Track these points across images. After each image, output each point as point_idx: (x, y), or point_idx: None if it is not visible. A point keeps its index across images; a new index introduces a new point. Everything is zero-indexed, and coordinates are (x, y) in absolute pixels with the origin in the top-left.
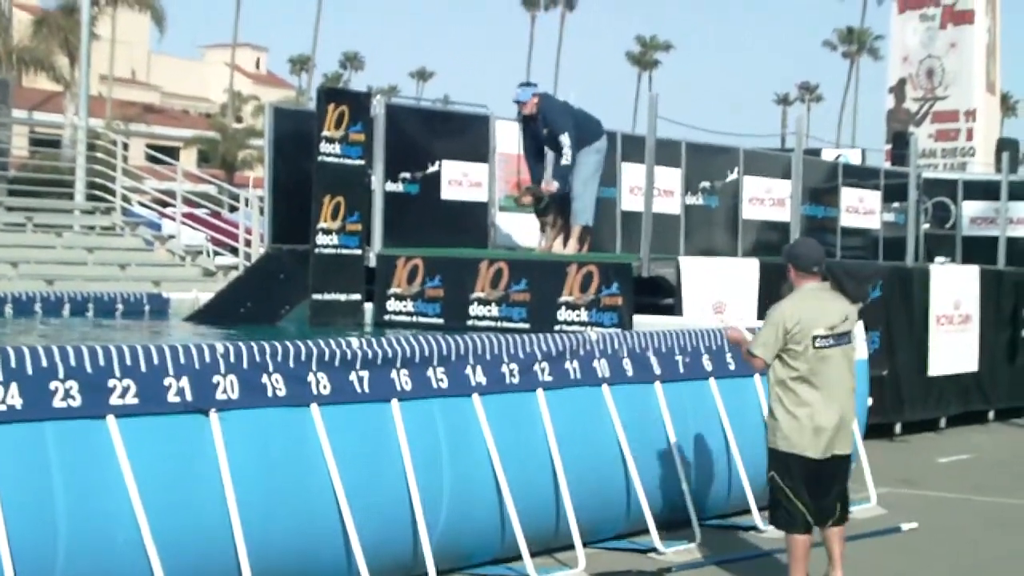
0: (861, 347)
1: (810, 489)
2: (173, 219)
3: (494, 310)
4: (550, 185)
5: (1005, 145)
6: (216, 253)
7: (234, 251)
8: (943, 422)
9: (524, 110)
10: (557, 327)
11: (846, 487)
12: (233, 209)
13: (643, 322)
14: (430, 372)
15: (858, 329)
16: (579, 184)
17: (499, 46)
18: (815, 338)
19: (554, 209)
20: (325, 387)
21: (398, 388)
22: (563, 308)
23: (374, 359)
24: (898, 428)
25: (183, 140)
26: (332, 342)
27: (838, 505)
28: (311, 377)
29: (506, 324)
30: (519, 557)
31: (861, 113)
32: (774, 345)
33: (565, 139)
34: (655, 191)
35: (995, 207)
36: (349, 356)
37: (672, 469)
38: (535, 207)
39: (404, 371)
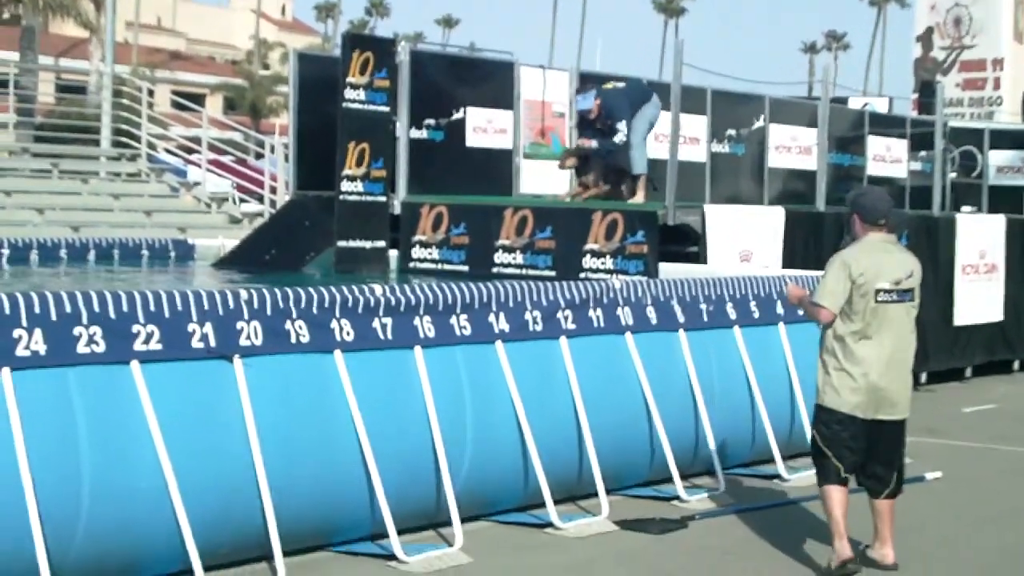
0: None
1: (858, 452)
2: (199, 166)
3: (519, 258)
4: (589, 141)
5: None
6: (242, 200)
7: (260, 198)
8: (968, 372)
9: (591, 116)
10: (582, 275)
11: (901, 456)
12: (259, 156)
13: (668, 270)
14: (453, 319)
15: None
16: (636, 138)
17: None
18: (878, 291)
19: (596, 170)
20: (348, 334)
21: (421, 335)
22: (588, 256)
23: (397, 306)
24: (923, 377)
25: (209, 87)
26: (355, 289)
27: (894, 475)
28: (334, 324)
29: (531, 272)
30: (543, 504)
31: (888, 62)
32: (841, 294)
33: (622, 125)
34: (681, 139)
35: (1022, 156)
36: (372, 303)
37: (696, 417)
38: (576, 169)
39: (427, 318)
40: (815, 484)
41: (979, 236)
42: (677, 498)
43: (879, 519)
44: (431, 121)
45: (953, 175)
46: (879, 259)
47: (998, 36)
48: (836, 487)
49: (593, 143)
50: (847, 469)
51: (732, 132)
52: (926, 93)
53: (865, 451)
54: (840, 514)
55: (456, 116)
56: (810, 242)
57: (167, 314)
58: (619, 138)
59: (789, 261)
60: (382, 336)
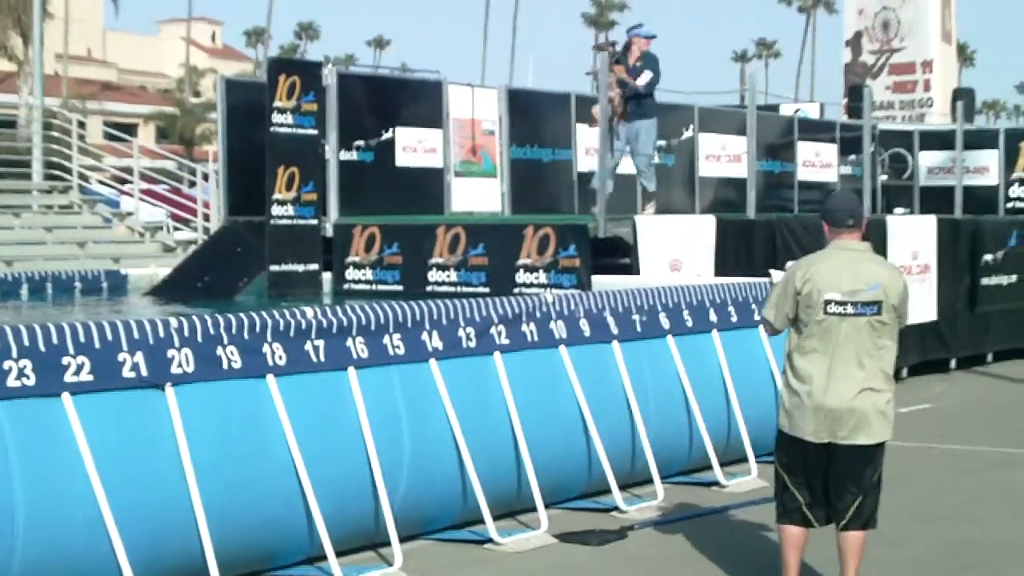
0: (905, 319)
1: (815, 480)
2: (132, 196)
3: (453, 275)
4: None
5: (960, 95)
6: (176, 228)
7: (194, 226)
8: (904, 372)
9: (644, 46)
10: (516, 290)
11: (867, 487)
12: (192, 184)
13: (602, 282)
14: (386, 339)
15: (905, 300)
16: (650, 149)
17: (456, 12)
18: (827, 303)
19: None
20: (280, 357)
21: (354, 356)
22: (521, 271)
23: (329, 328)
24: None
25: (141, 116)
26: (287, 312)
27: (853, 506)
28: (266, 348)
29: (465, 289)
30: (482, 521)
31: (819, 68)
32: (782, 307)
33: (647, 75)
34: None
35: (952, 157)
36: (304, 326)
37: (632, 428)
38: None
39: (360, 339)
40: (753, 489)
41: (911, 237)
42: (616, 509)
43: (843, 552)
44: (361, 142)
45: (884, 178)
46: (833, 267)
47: (926, 38)
48: (792, 528)
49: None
50: (809, 503)
51: (662, 143)
52: (855, 97)
53: (825, 479)
54: (793, 560)
55: (386, 136)
56: (741, 250)
57: (97, 345)
58: (643, 80)
59: (721, 269)
60: (315, 359)
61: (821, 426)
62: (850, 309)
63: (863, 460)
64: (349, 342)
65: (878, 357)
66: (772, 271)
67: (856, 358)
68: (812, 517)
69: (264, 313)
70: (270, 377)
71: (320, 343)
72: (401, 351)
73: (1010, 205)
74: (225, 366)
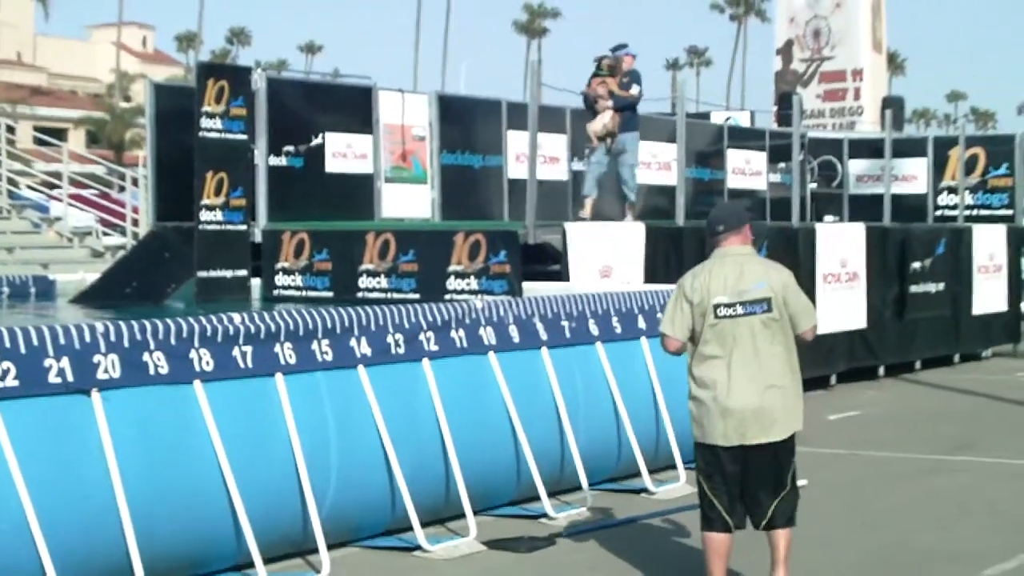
0: (803, 315)
1: (732, 484)
2: (60, 200)
3: (383, 281)
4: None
5: (889, 103)
6: (105, 234)
7: (123, 231)
8: (833, 379)
9: (624, 66)
10: (447, 296)
11: (784, 482)
12: (122, 189)
13: (532, 288)
14: (315, 345)
15: (795, 296)
16: (634, 159)
17: (387, 17)
18: (716, 307)
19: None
20: (208, 363)
21: (282, 362)
22: (452, 277)
23: (257, 334)
24: None
25: (71, 121)
26: (214, 318)
27: (773, 503)
28: (193, 354)
29: (396, 295)
30: (410, 528)
31: (751, 76)
32: (680, 319)
33: (634, 89)
34: (541, 158)
35: (881, 165)
36: (232, 331)
37: (561, 434)
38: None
39: (288, 345)
40: (682, 496)
41: (839, 245)
42: (545, 515)
43: (772, 542)
44: (290, 148)
45: (813, 186)
46: (718, 272)
47: (857, 47)
48: (716, 535)
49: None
50: (728, 508)
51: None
52: (785, 105)
53: (742, 482)
54: (718, 568)
55: (315, 142)
56: (671, 257)
57: (23, 350)
58: (633, 93)
59: (651, 276)
60: (242, 364)
61: (730, 429)
62: (740, 310)
63: (776, 457)
64: (277, 348)
65: (777, 353)
66: None
67: (755, 357)
68: (732, 522)
69: (191, 319)
70: (197, 383)
71: (248, 349)
72: (329, 357)
73: (939, 213)
74: (152, 372)
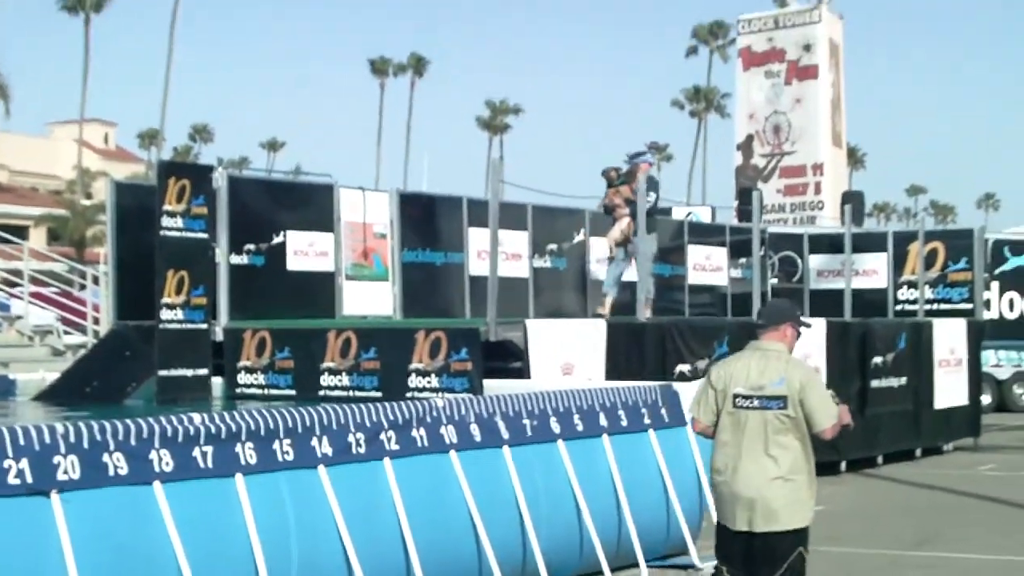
0: (821, 414)
1: (739, 565)
2: (21, 299)
3: (345, 379)
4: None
5: (849, 198)
6: (66, 332)
7: (84, 330)
8: None
9: (646, 170)
10: (409, 394)
11: (785, 571)
12: (83, 287)
13: (493, 386)
14: (276, 445)
15: (814, 396)
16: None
17: (350, 114)
18: (735, 396)
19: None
20: (168, 464)
21: (243, 462)
22: (414, 375)
23: (217, 434)
24: None
25: (32, 218)
26: (174, 418)
27: None
28: (153, 454)
29: (358, 393)
30: None
31: (712, 171)
32: (706, 402)
33: (651, 196)
34: (502, 255)
35: (841, 259)
36: (192, 432)
37: (523, 532)
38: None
39: (249, 445)
40: None
41: (800, 340)
42: None
43: None
44: (251, 246)
45: (774, 281)
46: (743, 364)
47: (817, 142)
48: None
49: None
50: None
51: (553, 247)
52: (745, 200)
53: (749, 564)
54: None
55: (276, 240)
56: (632, 353)
57: None
58: (649, 198)
59: (613, 373)
60: (203, 465)
61: (739, 514)
62: (756, 403)
63: (780, 547)
64: (238, 448)
65: (789, 447)
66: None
67: (764, 449)
68: None
69: (151, 419)
70: (157, 484)
71: (208, 449)
72: (290, 457)
73: (899, 307)
74: (111, 472)
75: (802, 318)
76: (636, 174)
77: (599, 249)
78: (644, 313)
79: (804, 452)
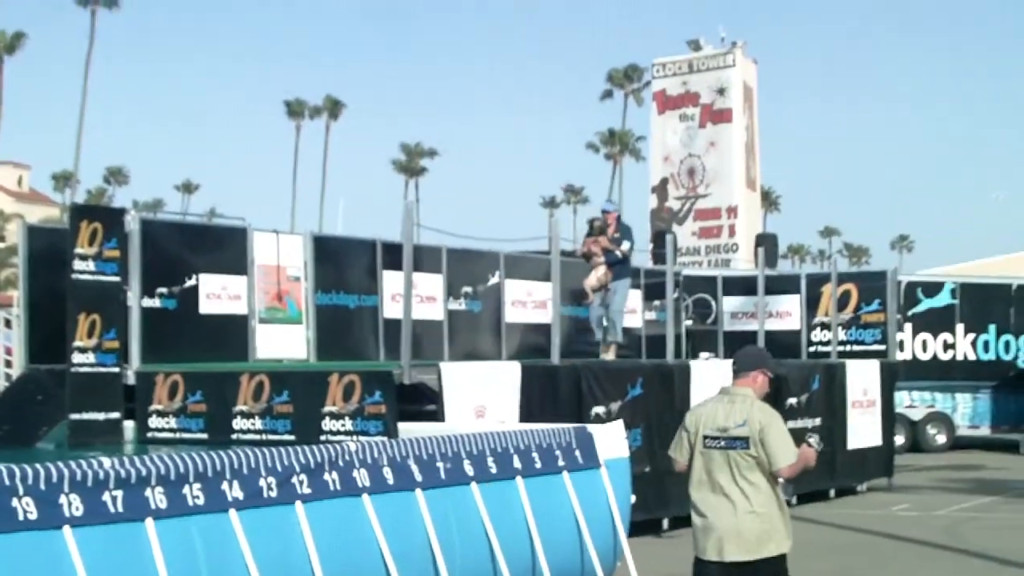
0: (779, 454)
1: None
2: None
3: (258, 423)
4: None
5: (762, 240)
6: None
7: None
8: None
9: (608, 223)
10: (323, 437)
11: None
12: None
13: (408, 429)
14: (186, 489)
15: (772, 437)
16: (620, 306)
17: (265, 156)
18: (705, 437)
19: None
20: (78, 508)
21: (153, 507)
22: (327, 418)
23: (127, 478)
24: (666, 523)
25: None
26: (84, 462)
27: None
28: (63, 499)
29: (271, 436)
30: None
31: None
32: (681, 445)
33: (625, 246)
34: (417, 297)
35: (754, 301)
36: (102, 476)
37: (436, 575)
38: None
39: (159, 489)
40: None
41: (714, 382)
42: None
43: None
44: (164, 289)
45: (689, 323)
46: (713, 407)
47: (731, 184)
48: None
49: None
50: None
51: (468, 289)
52: (659, 243)
53: None
54: None
55: (189, 283)
56: (547, 395)
57: None
58: (623, 249)
59: (527, 415)
60: (112, 509)
61: (711, 545)
62: (722, 443)
63: (758, 573)
64: (148, 492)
65: (757, 483)
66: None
67: (733, 485)
68: None
69: (60, 463)
70: (67, 528)
71: (118, 493)
72: (201, 501)
73: (812, 349)
74: (21, 517)
75: (774, 366)
76: (607, 224)
77: (514, 291)
78: (610, 354)
79: (773, 487)
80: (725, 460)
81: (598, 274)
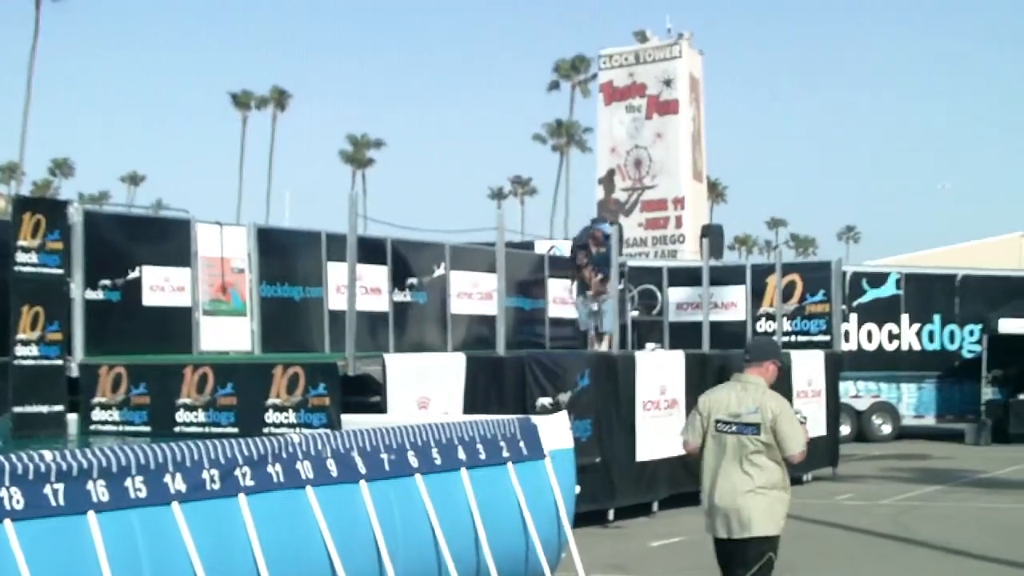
0: (791, 441)
1: (725, 571)
2: None
3: (201, 416)
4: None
5: (708, 231)
6: None
7: None
8: (655, 506)
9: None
10: (266, 430)
11: (755, 570)
12: None
13: (351, 421)
14: (128, 482)
15: (785, 425)
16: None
17: (212, 147)
18: (716, 422)
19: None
20: (18, 502)
21: (95, 500)
22: (271, 411)
23: (69, 471)
24: (611, 514)
25: None
26: (24, 455)
27: None
28: (3, 492)
29: (214, 429)
30: None
31: (575, 205)
32: (696, 427)
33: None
34: (362, 289)
35: (699, 292)
36: (43, 469)
37: (380, 568)
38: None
39: (101, 482)
40: None
41: (659, 372)
42: None
43: None
44: (107, 281)
45: (635, 313)
46: (726, 394)
47: (678, 176)
48: None
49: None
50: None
51: (413, 281)
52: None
53: (729, 562)
54: None
55: (132, 275)
56: (491, 386)
57: None
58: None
59: (471, 407)
60: (54, 503)
61: (718, 523)
62: (733, 428)
63: (748, 548)
64: (89, 485)
65: (762, 466)
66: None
67: (739, 467)
68: None
69: (1, 456)
70: (7, 522)
71: (60, 487)
72: (143, 494)
73: None
74: None
75: (784, 357)
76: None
77: (459, 283)
78: (603, 345)
79: (778, 470)
80: (735, 444)
81: (594, 282)
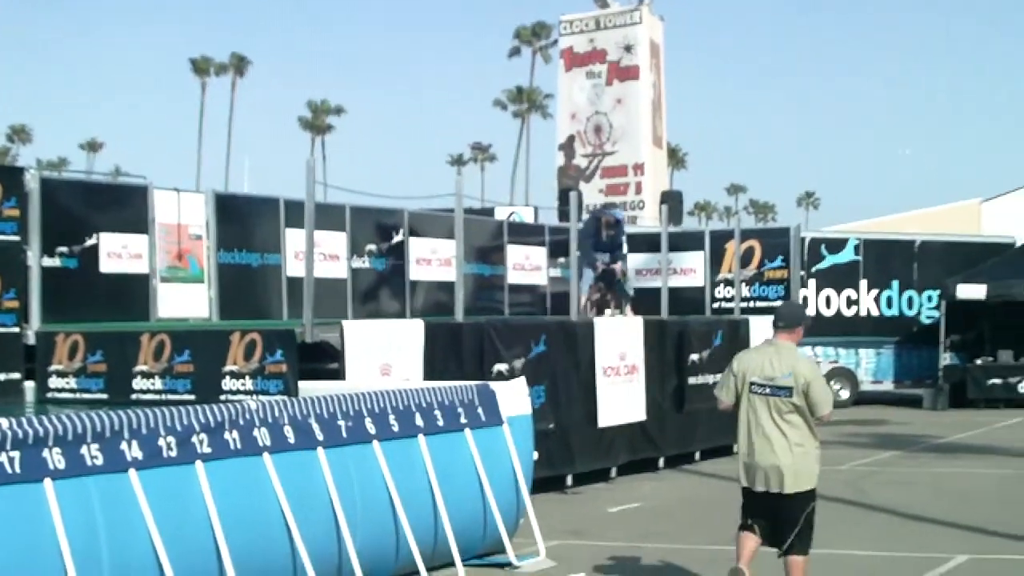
0: (822, 403)
1: (758, 516)
2: None
3: (158, 383)
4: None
5: (667, 197)
6: None
7: None
8: (614, 472)
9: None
10: (223, 397)
11: (797, 524)
12: None
13: (309, 388)
14: (84, 449)
15: (817, 388)
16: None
17: (171, 113)
18: (751, 384)
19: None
20: None
21: (51, 467)
22: (228, 377)
23: (25, 438)
24: (569, 480)
25: None
26: None
27: (789, 537)
28: None
29: (171, 396)
30: None
31: (536, 171)
32: (730, 387)
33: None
34: (320, 256)
35: (658, 258)
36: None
37: (338, 535)
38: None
39: (57, 449)
40: None
41: (618, 339)
42: None
43: (787, 571)
44: (64, 248)
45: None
46: (760, 357)
47: (638, 142)
48: (742, 532)
49: (606, 257)
50: (753, 524)
51: (372, 247)
52: (566, 200)
53: (769, 516)
54: (740, 546)
55: (89, 242)
56: (450, 353)
57: None
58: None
59: (430, 373)
60: (9, 470)
61: (755, 479)
62: (767, 390)
63: (793, 503)
64: (45, 453)
65: (796, 425)
66: None
67: (774, 426)
68: (757, 531)
69: None
70: None
71: (15, 454)
72: (100, 461)
73: (716, 305)
74: None
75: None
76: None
77: (418, 249)
78: (627, 312)
79: (809, 429)
80: (768, 405)
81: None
